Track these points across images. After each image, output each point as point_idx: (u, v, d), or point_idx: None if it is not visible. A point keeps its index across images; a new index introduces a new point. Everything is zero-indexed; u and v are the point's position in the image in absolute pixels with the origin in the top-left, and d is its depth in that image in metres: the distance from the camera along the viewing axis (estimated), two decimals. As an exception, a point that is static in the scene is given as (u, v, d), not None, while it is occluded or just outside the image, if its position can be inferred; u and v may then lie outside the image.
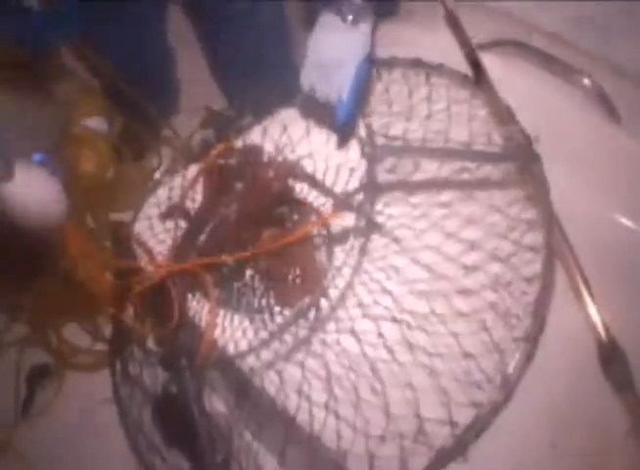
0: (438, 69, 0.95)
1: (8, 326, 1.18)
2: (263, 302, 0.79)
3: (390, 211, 0.83)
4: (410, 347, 0.71)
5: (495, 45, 1.03)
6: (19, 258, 1.12)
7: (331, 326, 0.74)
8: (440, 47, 1.03)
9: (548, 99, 0.95)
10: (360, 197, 0.84)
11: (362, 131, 0.89)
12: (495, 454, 0.67)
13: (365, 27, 0.81)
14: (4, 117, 0.98)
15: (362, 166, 0.88)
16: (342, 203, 0.84)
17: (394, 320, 0.74)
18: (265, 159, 0.95)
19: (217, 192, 0.88)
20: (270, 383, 0.72)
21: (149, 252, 0.87)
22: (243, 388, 0.74)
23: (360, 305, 0.75)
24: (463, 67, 0.98)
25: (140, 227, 0.92)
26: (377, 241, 0.81)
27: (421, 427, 0.65)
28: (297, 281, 0.79)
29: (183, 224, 0.89)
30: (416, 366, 0.70)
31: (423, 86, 0.96)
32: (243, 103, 1.13)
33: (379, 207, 0.85)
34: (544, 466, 0.68)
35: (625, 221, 0.86)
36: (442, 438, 0.65)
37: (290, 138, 0.96)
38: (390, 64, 0.97)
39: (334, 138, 0.95)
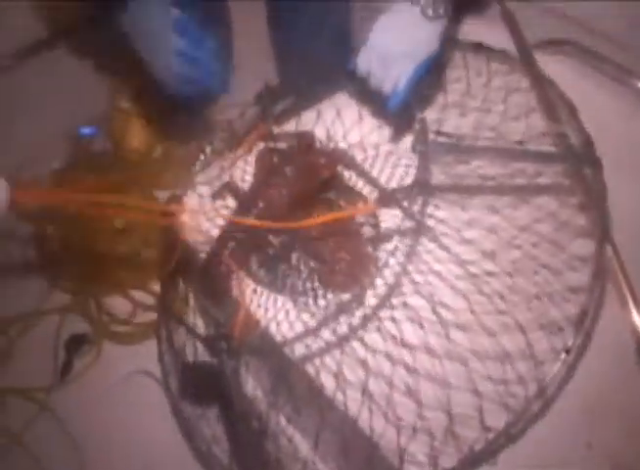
0: (500, 53, 0.97)
1: (49, 293, 1.25)
2: (308, 284, 0.83)
3: (439, 213, 0.86)
4: (448, 347, 0.74)
5: (549, 44, 1.04)
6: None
7: (372, 323, 0.77)
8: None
9: (601, 101, 0.96)
10: (408, 196, 0.86)
11: (416, 125, 0.91)
12: (527, 457, 0.69)
13: (440, 25, 0.83)
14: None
15: (412, 160, 0.91)
16: (388, 198, 0.87)
17: (434, 318, 0.76)
18: (317, 145, 0.99)
19: (268, 174, 0.92)
20: (309, 369, 0.75)
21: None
22: (281, 372, 0.78)
23: (404, 304, 0.78)
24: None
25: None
26: (424, 243, 0.83)
27: (452, 427, 0.68)
28: (344, 266, 0.82)
29: (233, 204, 0.93)
30: (452, 365, 0.73)
31: (482, 73, 0.98)
32: (298, 82, 1.15)
33: (428, 208, 0.87)
34: (578, 467, 0.70)
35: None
36: (472, 440, 0.68)
37: (342, 123, 1.00)
38: (450, 51, 0.98)
39: (386, 126, 0.99)
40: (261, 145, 1.01)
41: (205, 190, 0.96)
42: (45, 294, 1.24)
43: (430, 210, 0.85)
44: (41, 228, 1.32)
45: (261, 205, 0.87)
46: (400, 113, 0.88)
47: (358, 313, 0.77)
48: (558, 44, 1.04)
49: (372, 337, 0.76)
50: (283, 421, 0.82)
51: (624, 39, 1.01)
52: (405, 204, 0.84)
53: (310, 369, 0.75)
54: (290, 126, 1.04)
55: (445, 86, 0.98)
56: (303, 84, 1.10)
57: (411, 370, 0.72)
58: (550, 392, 0.71)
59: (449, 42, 0.94)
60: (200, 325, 0.95)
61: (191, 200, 0.96)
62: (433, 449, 0.68)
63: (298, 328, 0.79)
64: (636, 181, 0.87)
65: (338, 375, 0.72)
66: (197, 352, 0.88)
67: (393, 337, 0.75)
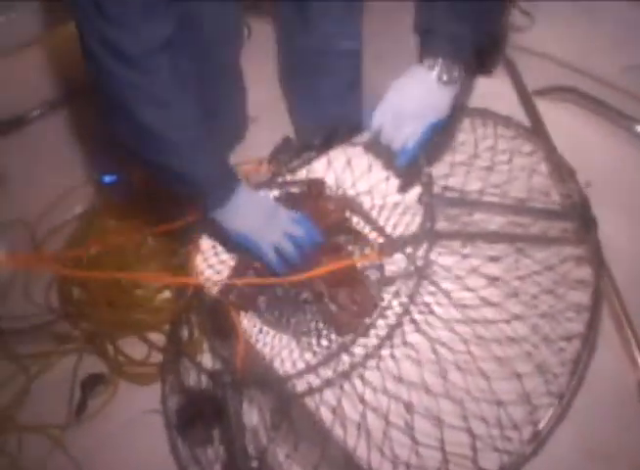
0: (506, 120, 1.06)
1: (69, 334, 1.34)
2: (312, 325, 0.91)
3: (441, 259, 0.94)
4: (445, 385, 0.81)
5: (550, 91, 1.14)
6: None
7: (372, 360, 0.84)
8: (502, 94, 1.16)
9: (600, 144, 1.06)
10: (412, 242, 0.95)
11: (422, 179, 1.00)
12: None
13: (453, 90, 0.93)
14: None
15: (418, 211, 0.99)
16: (393, 245, 0.96)
17: (433, 357, 0.84)
18: (326, 191, 1.09)
19: None
20: (309, 404, 0.83)
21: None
22: (282, 407, 0.85)
23: (404, 343, 0.86)
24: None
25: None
26: (424, 286, 0.91)
27: (446, 465, 0.74)
28: (351, 308, 0.90)
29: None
30: (449, 405, 0.79)
31: (489, 137, 1.07)
32: (312, 135, 1.26)
33: (431, 254, 0.95)
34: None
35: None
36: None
37: (352, 172, 1.11)
38: (459, 114, 1.08)
39: (394, 177, 1.08)
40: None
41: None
42: (65, 335, 1.33)
43: (433, 256, 0.93)
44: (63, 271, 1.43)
45: None
46: (409, 167, 0.97)
47: (359, 351, 0.84)
48: (557, 91, 1.15)
49: (372, 374, 0.83)
50: (282, 456, 0.88)
51: (620, 83, 1.10)
52: (409, 250, 0.92)
53: (311, 404, 0.82)
54: (301, 172, 1.15)
55: (453, 147, 1.08)
56: (319, 140, 1.21)
57: (408, 408, 0.78)
58: (544, 435, 0.76)
59: (459, 107, 1.04)
60: (205, 362, 1.03)
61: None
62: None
63: (301, 365, 0.87)
64: (636, 225, 0.96)
65: (336, 410, 0.79)
66: (201, 387, 0.95)
67: (392, 375, 0.82)
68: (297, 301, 0.94)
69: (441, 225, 0.96)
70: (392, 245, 0.96)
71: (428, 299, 0.90)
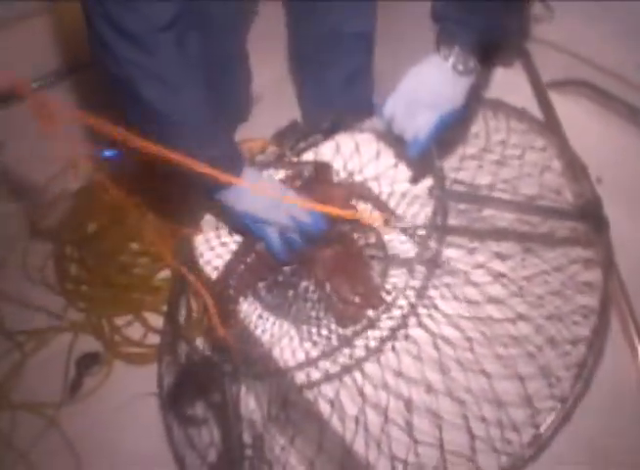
0: (520, 113, 1.07)
1: (64, 311, 1.36)
2: (313, 313, 0.94)
3: (447, 253, 0.96)
4: (445, 382, 0.83)
5: (564, 84, 1.15)
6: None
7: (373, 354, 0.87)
8: (516, 86, 1.17)
9: (612, 139, 1.07)
10: (422, 230, 0.97)
11: (434, 172, 1.01)
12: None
13: (468, 81, 0.94)
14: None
15: (426, 201, 1.01)
16: (401, 221, 0.98)
17: (435, 353, 0.86)
18: (333, 176, 1.10)
19: None
20: (308, 396, 0.86)
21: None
22: (280, 398, 0.88)
23: (406, 336, 0.89)
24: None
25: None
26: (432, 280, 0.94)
27: (444, 464, 0.77)
28: (357, 299, 0.93)
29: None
30: (448, 402, 0.82)
31: (501, 130, 1.08)
32: (320, 119, 1.27)
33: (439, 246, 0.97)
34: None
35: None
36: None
37: (360, 158, 1.13)
38: (473, 106, 1.09)
39: (402, 165, 1.09)
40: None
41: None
42: (60, 312, 1.36)
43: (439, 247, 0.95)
44: (61, 248, 1.45)
45: None
46: (420, 158, 0.98)
47: (361, 343, 0.87)
48: (572, 84, 1.15)
49: (372, 368, 0.86)
50: (278, 447, 0.91)
51: (635, 80, 1.11)
52: (418, 236, 0.93)
53: (309, 396, 0.85)
54: (307, 156, 1.17)
55: (465, 139, 1.10)
56: (326, 124, 1.22)
57: (408, 405, 0.81)
58: (545, 439, 0.79)
59: (474, 98, 1.05)
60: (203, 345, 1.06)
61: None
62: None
63: (300, 355, 0.89)
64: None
65: (334, 404, 0.82)
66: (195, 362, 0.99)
67: (393, 369, 0.85)
68: (299, 288, 0.97)
69: (450, 220, 0.97)
70: (400, 221, 0.98)
71: (432, 292, 0.92)
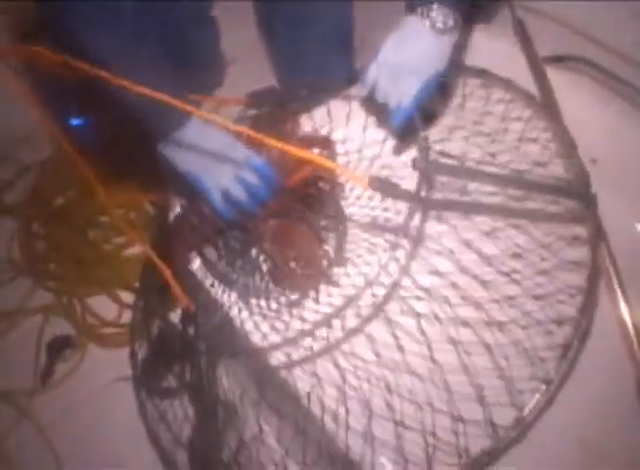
0: (506, 83, 1.06)
1: (33, 291, 1.35)
2: (261, 284, 0.96)
3: (430, 227, 0.97)
4: (429, 368, 0.85)
5: (561, 60, 1.13)
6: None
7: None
8: (509, 57, 1.14)
9: (609, 119, 1.06)
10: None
11: (419, 142, 1.00)
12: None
13: (450, 39, 0.92)
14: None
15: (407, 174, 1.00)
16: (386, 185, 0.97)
17: (417, 340, 0.87)
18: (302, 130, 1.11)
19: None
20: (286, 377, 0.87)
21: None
22: (258, 377, 0.90)
23: (386, 320, 0.89)
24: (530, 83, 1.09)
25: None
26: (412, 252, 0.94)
27: (431, 448, 0.78)
28: (299, 267, 0.95)
29: None
30: (431, 386, 0.83)
31: (487, 100, 1.07)
32: (297, 85, 1.24)
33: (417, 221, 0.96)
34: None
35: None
36: (450, 465, 0.78)
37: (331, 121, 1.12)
38: (456, 72, 1.08)
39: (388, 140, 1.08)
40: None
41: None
42: (29, 293, 1.35)
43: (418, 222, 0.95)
44: (26, 225, 1.43)
45: None
46: (404, 127, 0.97)
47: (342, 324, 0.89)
48: (568, 59, 1.14)
49: (353, 348, 0.87)
50: (255, 428, 0.93)
51: (633, 57, 1.10)
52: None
53: (287, 377, 0.86)
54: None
55: (450, 107, 1.08)
56: (305, 92, 1.19)
57: (388, 386, 0.83)
58: (529, 421, 0.80)
59: (458, 59, 1.03)
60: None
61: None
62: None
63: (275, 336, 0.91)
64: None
65: (313, 386, 0.83)
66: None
67: (374, 351, 0.86)
68: (247, 257, 0.99)
69: (435, 194, 0.97)
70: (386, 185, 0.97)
71: (417, 269, 0.93)
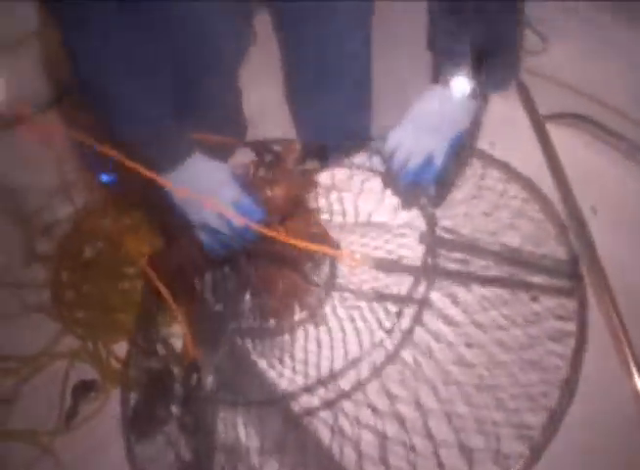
0: (505, 166, 1.20)
1: (60, 336, 1.47)
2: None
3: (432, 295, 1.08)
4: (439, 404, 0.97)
5: (561, 117, 1.27)
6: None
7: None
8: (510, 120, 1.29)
9: (608, 172, 1.19)
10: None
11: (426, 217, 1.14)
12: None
13: (470, 104, 1.06)
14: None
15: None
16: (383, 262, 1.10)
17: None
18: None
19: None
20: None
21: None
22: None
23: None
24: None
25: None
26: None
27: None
28: (278, 294, 1.07)
29: None
30: (444, 421, 0.95)
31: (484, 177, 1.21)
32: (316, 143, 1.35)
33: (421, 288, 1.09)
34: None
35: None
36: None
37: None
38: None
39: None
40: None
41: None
42: (56, 337, 1.47)
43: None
44: (57, 273, 1.57)
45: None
46: (409, 190, 1.12)
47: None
48: (569, 117, 1.28)
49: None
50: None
51: (633, 113, 1.24)
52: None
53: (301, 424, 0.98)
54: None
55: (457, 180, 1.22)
56: (325, 150, 1.31)
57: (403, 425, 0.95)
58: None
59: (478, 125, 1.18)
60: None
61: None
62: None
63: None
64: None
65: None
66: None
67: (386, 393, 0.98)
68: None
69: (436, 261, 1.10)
70: (387, 263, 1.09)
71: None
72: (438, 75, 1.06)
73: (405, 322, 1.06)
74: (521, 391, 0.97)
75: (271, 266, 1.11)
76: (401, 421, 0.97)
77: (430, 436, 0.94)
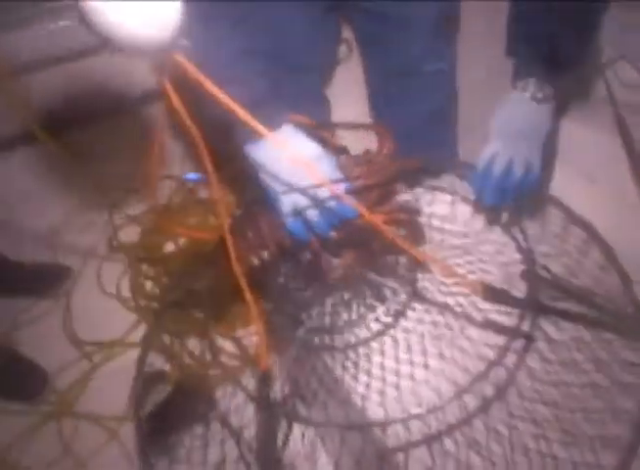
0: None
1: (135, 326, 1.52)
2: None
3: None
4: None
5: None
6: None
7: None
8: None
9: None
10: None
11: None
12: None
13: (549, 106, 1.08)
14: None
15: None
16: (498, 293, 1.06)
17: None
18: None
19: None
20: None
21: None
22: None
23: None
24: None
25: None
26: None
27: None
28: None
29: None
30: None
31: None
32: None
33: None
34: None
35: None
36: None
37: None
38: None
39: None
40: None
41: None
42: (132, 327, 1.52)
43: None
44: (136, 264, 1.63)
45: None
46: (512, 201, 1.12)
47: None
48: None
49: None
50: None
51: None
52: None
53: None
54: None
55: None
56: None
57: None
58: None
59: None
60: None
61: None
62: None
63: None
64: None
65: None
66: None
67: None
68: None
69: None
70: (498, 293, 1.02)
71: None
72: (516, 80, 1.08)
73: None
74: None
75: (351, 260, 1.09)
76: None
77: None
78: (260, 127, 0.85)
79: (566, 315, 1.04)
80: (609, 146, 1.31)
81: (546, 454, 0.94)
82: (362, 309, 1.17)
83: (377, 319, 1.16)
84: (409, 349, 1.10)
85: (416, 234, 1.13)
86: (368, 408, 1.04)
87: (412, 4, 1.33)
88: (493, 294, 0.98)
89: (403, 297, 1.17)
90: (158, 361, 1.44)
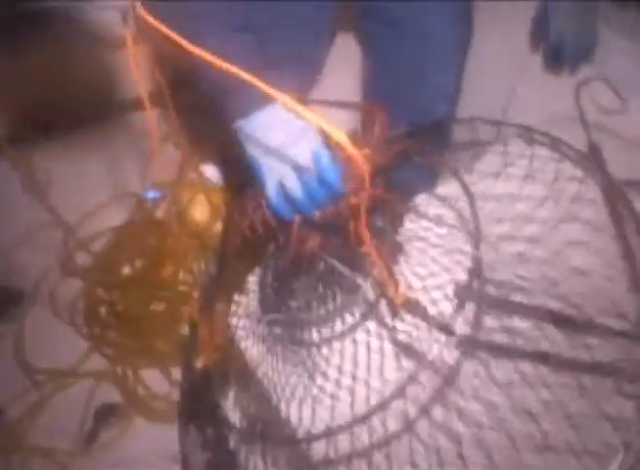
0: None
1: (88, 355, 1.51)
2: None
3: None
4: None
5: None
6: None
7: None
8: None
9: None
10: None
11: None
12: None
13: None
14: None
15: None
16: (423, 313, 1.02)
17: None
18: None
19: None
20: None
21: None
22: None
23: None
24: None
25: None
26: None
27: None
28: None
29: None
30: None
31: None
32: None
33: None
34: None
35: None
36: None
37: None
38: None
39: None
40: None
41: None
42: (84, 356, 1.50)
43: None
44: (91, 289, 1.61)
45: None
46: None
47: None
48: None
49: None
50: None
51: None
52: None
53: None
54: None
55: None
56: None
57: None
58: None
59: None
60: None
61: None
62: None
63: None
64: None
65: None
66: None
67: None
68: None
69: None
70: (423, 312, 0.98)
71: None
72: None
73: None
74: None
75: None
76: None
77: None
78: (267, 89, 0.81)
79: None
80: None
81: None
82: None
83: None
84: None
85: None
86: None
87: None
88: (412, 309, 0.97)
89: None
90: (111, 392, 1.45)
